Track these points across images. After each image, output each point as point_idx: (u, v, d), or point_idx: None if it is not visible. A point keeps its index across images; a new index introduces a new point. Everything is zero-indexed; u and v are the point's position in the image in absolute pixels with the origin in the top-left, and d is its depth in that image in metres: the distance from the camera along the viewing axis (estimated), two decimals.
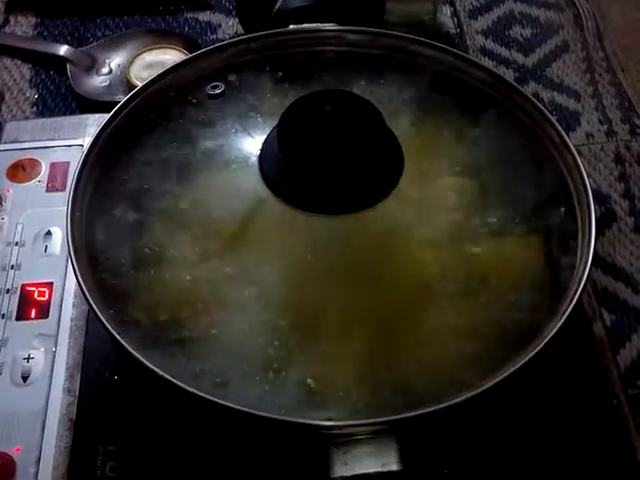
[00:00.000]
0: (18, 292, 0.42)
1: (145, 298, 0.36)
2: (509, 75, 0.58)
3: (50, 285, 0.42)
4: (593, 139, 0.54)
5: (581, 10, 0.63)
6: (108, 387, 0.39)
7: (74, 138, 0.49)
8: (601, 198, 0.51)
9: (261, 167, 0.39)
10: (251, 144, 0.40)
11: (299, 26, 0.46)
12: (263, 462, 0.35)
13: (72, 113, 0.55)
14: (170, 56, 0.55)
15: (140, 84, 0.43)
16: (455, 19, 0.62)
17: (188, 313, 0.35)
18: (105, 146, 0.40)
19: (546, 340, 0.33)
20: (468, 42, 0.60)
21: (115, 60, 0.58)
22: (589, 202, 0.37)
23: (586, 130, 0.55)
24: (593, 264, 0.36)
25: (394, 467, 0.31)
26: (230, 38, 0.59)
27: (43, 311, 0.41)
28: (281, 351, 0.34)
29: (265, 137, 0.40)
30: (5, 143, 0.49)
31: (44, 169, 0.47)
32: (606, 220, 0.50)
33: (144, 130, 0.41)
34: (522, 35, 0.61)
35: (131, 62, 0.55)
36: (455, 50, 0.44)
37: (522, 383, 0.33)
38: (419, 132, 0.41)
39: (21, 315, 0.41)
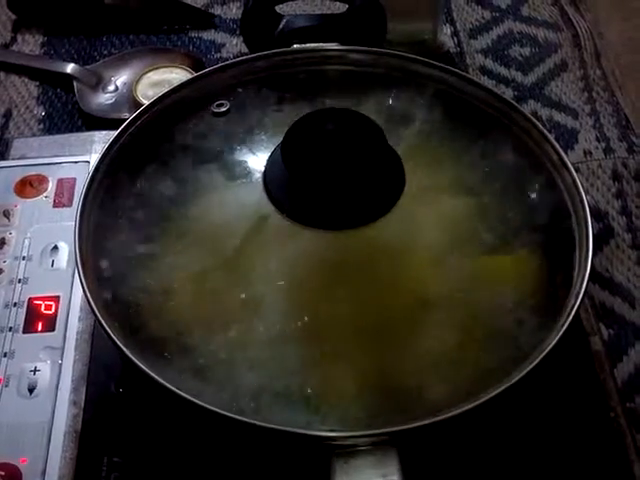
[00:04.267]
0: (25, 305, 0.42)
1: (151, 312, 0.36)
2: (508, 94, 0.58)
3: (57, 299, 0.43)
4: (591, 157, 0.55)
5: (579, 30, 0.63)
6: (113, 399, 0.39)
7: (81, 155, 0.50)
8: (599, 215, 0.51)
9: (265, 184, 0.40)
10: (255, 161, 0.41)
11: (302, 46, 0.47)
12: (265, 473, 0.36)
13: (78, 130, 0.56)
14: (176, 75, 0.55)
15: (146, 102, 0.44)
16: (455, 38, 0.63)
17: (193, 327, 0.36)
18: (112, 163, 0.41)
19: (544, 354, 0.33)
20: (468, 61, 0.61)
21: (121, 78, 0.58)
22: (586, 218, 0.38)
23: (584, 148, 0.55)
24: (591, 279, 0.36)
25: (395, 478, 0.31)
26: (234, 57, 0.60)
27: (50, 324, 0.42)
28: (284, 363, 0.34)
29: (269, 154, 0.41)
30: (13, 159, 0.50)
31: (51, 185, 0.48)
32: (604, 236, 0.50)
33: (150, 147, 0.42)
34: (521, 54, 0.62)
35: (137, 80, 0.55)
36: (455, 69, 0.45)
37: (521, 396, 0.34)
38: (419, 150, 0.42)
39: (28, 328, 0.41)
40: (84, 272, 0.36)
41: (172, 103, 0.44)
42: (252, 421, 0.31)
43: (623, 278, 0.48)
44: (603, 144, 0.55)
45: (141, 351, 0.34)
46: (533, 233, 0.39)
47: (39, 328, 0.42)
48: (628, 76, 0.60)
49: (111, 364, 0.40)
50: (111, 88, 0.58)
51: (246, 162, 0.41)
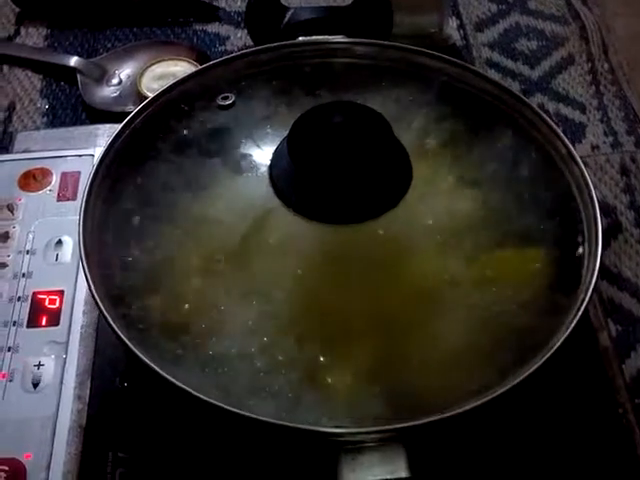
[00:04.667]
0: (29, 299, 0.42)
1: (156, 306, 0.36)
2: (515, 87, 0.58)
3: (61, 293, 0.42)
4: (599, 151, 0.54)
5: (586, 23, 0.63)
6: (118, 394, 0.39)
7: (85, 148, 0.49)
8: (607, 209, 0.51)
9: (271, 177, 0.39)
10: (261, 155, 0.41)
11: (308, 38, 0.47)
12: (272, 469, 0.36)
13: (82, 123, 0.55)
14: (180, 68, 0.55)
15: (151, 95, 0.43)
16: (461, 31, 0.63)
17: (197, 321, 0.35)
18: (116, 156, 0.41)
19: (553, 350, 0.33)
20: (474, 54, 0.61)
21: (125, 71, 0.58)
22: (595, 213, 0.37)
23: (591, 142, 0.55)
24: (599, 275, 0.36)
25: (402, 474, 0.31)
26: (239, 50, 0.60)
27: (54, 318, 0.41)
28: (290, 359, 0.34)
29: (275, 148, 0.41)
30: (17, 153, 0.50)
31: (55, 178, 0.48)
32: (612, 231, 0.50)
33: (155, 141, 0.42)
34: (528, 47, 0.62)
35: (141, 73, 0.55)
36: (462, 62, 0.45)
37: (529, 392, 0.33)
38: (427, 143, 0.42)
39: (32, 322, 0.41)
40: (88, 266, 0.36)
41: (176, 96, 0.43)
42: (258, 417, 0.31)
43: (631, 273, 0.48)
44: (611, 138, 0.55)
45: (146, 345, 0.34)
46: (541, 228, 0.38)
47: (43, 322, 0.41)
48: (636, 69, 0.60)
49: (116, 358, 0.40)
50: (115, 81, 0.57)
51: (252, 156, 0.41)
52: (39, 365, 0.40)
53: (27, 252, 0.44)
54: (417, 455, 0.31)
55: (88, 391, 0.39)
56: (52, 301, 0.42)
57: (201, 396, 0.32)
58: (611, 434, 0.38)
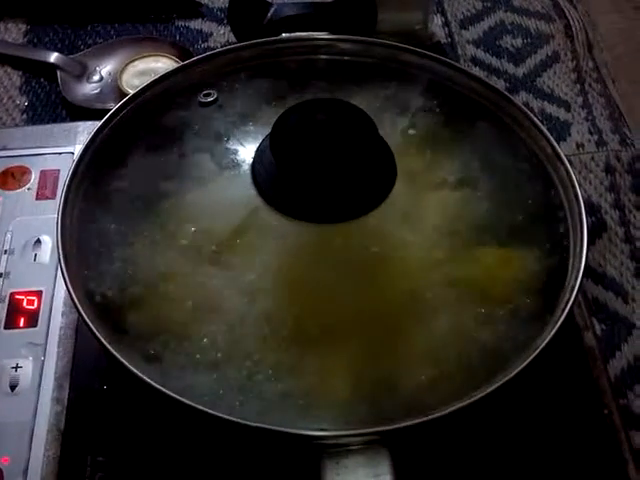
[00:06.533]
0: (7, 300, 0.41)
1: (135, 307, 0.35)
2: (500, 85, 0.58)
3: (39, 293, 0.42)
4: (583, 149, 0.54)
5: (571, 20, 0.63)
6: (97, 397, 0.38)
7: (64, 146, 0.49)
8: (591, 208, 0.51)
9: (253, 175, 0.39)
10: (243, 152, 0.40)
11: (291, 35, 0.46)
12: (255, 473, 0.35)
13: (62, 121, 0.55)
14: (162, 64, 0.55)
15: (132, 92, 0.43)
16: (446, 29, 0.62)
17: (179, 322, 0.35)
18: (96, 154, 0.40)
19: (538, 350, 0.33)
20: (459, 52, 0.61)
21: (106, 68, 0.57)
22: (581, 212, 0.37)
23: (576, 140, 0.55)
24: (584, 274, 0.35)
25: (387, 478, 0.30)
26: (222, 46, 0.59)
27: (32, 320, 0.41)
28: (272, 361, 0.33)
29: (258, 145, 0.40)
30: None
31: (34, 177, 0.47)
32: (597, 230, 0.50)
33: (135, 138, 0.41)
34: (513, 45, 0.61)
35: (122, 70, 0.54)
36: (447, 59, 0.45)
37: (514, 393, 0.33)
38: (411, 141, 0.41)
39: (10, 324, 0.41)
40: (66, 266, 0.35)
41: (158, 93, 0.43)
42: (241, 420, 0.30)
43: (616, 272, 0.48)
44: (596, 136, 0.55)
45: (125, 348, 0.33)
46: (526, 226, 0.38)
47: (21, 324, 0.41)
48: (621, 68, 0.60)
49: (95, 361, 0.39)
50: (96, 78, 0.57)
51: (234, 153, 0.40)
52: (17, 367, 0.39)
53: (5, 252, 0.43)
54: (401, 458, 0.31)
55: (67, 394, 0.39)
56: (30, 302, 0.41)
57: (182, 399, 0.31)
58: (596, 435, 0.38)
